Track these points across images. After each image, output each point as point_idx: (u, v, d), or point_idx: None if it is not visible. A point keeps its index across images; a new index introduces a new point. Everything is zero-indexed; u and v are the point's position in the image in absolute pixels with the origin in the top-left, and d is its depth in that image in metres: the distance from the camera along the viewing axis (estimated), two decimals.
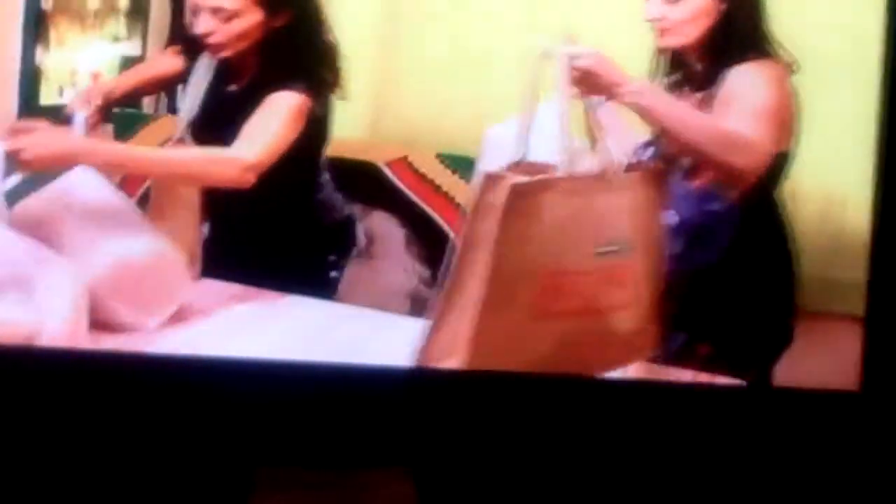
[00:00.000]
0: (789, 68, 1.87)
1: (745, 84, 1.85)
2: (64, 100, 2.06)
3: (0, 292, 1.67)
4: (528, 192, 1.62)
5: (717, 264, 1.88)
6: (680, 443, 1.84)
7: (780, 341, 1.91)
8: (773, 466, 1.85)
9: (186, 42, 1.99)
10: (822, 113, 1.94)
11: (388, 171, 2.13)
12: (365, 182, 2.11)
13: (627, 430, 1.83)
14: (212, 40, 1.92)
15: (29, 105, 2.07)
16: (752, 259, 1.90)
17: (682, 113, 1.85)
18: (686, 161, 1.88)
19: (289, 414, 1.80)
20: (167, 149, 1.96)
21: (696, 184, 1.88)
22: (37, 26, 2.03)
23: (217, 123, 1.94)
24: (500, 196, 1.60)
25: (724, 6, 1.87)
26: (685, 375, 1.83)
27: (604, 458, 1.83)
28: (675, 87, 1.93)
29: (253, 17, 1.91)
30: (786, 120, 1.86)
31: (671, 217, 1.87)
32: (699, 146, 1.82)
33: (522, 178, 1.63)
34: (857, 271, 1.92)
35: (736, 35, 1.87)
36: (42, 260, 1.70)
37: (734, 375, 1.85)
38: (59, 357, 1.68)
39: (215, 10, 1.89)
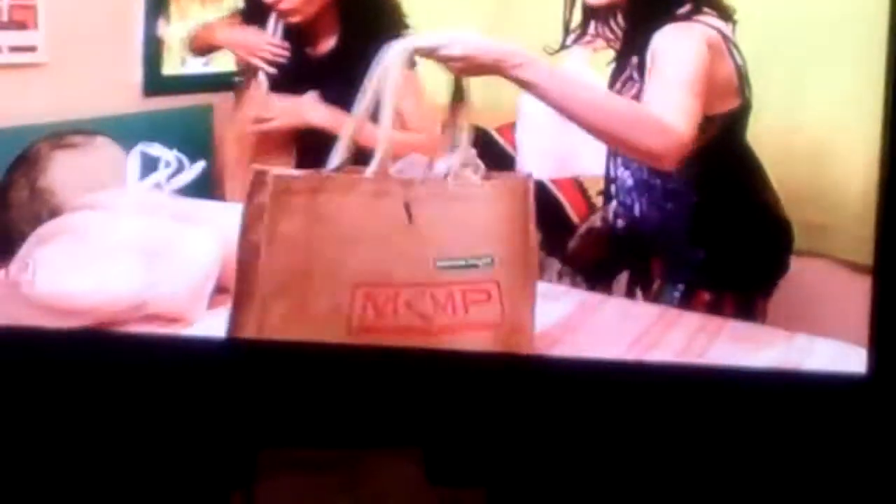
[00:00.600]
0: (726, 18, 1.80)
1: (667, 53, 1.74)
2: (186, 70, 2.15)
3: (125, 258, 1.72)
4: (294, 190, 1.49)
5: (691, 215, 1.85)
6: (682, 433, 1.81)
7: (775, 273, 1.87)
8: (777, 456, 1.82)
9: (252, 8, 2.05)
10: (830, 63, 1.88)
11: (497, 136, 2.16)
12: (477, 146, 2.15)
13: (636, 415, 1.81)
14: (282, 6, 1.99)
15: (153, 75, 2.17)
16: (725, 204, 1.86)
17: (579, 90, 1.68)
18: None
19: (293, 394, 1.79)
20: None
21: None
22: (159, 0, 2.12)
23: (301, 86, 2.03)
24: (264, 197, 1.49)
25: None
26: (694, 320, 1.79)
27: (614, 444, 1.81)
28: (617, 72, 1.86)
29: None
30: (719, 82, 1.77)
31: (627, 179, 1.87)
32: (604, 128, 1.67)
33: (287, 174, 1.52)
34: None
35: None
36: (186, 226, 1.77)
37: (738, 315, 1.82)
38: (52, 339, 1.70)
39: None
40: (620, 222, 1.94)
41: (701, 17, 1.80)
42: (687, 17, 1.79)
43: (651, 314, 1.83)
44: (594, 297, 1.89)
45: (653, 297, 1.91)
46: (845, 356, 1.73)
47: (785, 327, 1.80)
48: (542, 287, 1.80)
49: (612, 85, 1.89)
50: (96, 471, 1.78)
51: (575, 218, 2.05)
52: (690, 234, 1.87)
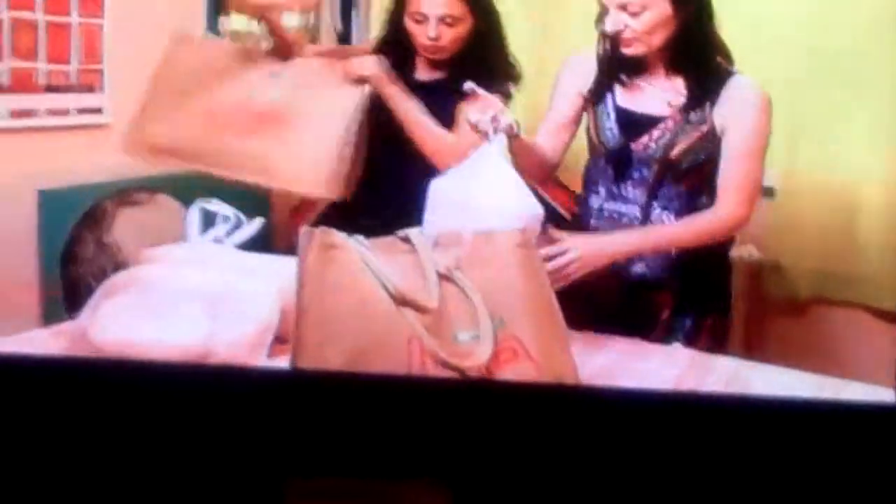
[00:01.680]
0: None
1: (742, 129, 1.99)
2: None
3: (191, 308, 1.77)
4: (338, 245, 1.61)
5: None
6: (704, 459, 1.79)
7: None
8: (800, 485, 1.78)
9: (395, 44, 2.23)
10: (845, 112, 2.02)
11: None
12: None
13: (659, 445, 1.78)
14: (439, 43, 2.17)
15: None
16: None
17: None
18: (682, 166, 2.01)
19: (321, 423, 1.79)
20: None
21: (685, 185, 2.03)
22: None
23: None
24: (312, 251, 1.61)
25: (681, 16, 1.96)
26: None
27: (640, 475, 1.78)
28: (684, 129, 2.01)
29: (469, 21, 2.16)
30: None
31: (666, 217, 2.03)
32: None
33: (331, 230, 1.62)
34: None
35: (695, 41, 1.98)
36: (246, 279, 1.83)
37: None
38: (81, 366, 1.74)
39: (442, 18, 2.15)
40: (639, 267, 2.06)
41: (734, 67, 2.00)
42: (727, 70, 1.99)
43: (688, 358, 1.91)
44: (636, 345, 1.95)
45: (664, 329, 2.05)
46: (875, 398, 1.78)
47: (822, 373, 1.86)
48: (584, 336, 1.87)
49: (674, 118, 2.02)
50: (122, 500, 1.79)
51: (566, 214, 2.17)
52: (707, 261, 2.04)
